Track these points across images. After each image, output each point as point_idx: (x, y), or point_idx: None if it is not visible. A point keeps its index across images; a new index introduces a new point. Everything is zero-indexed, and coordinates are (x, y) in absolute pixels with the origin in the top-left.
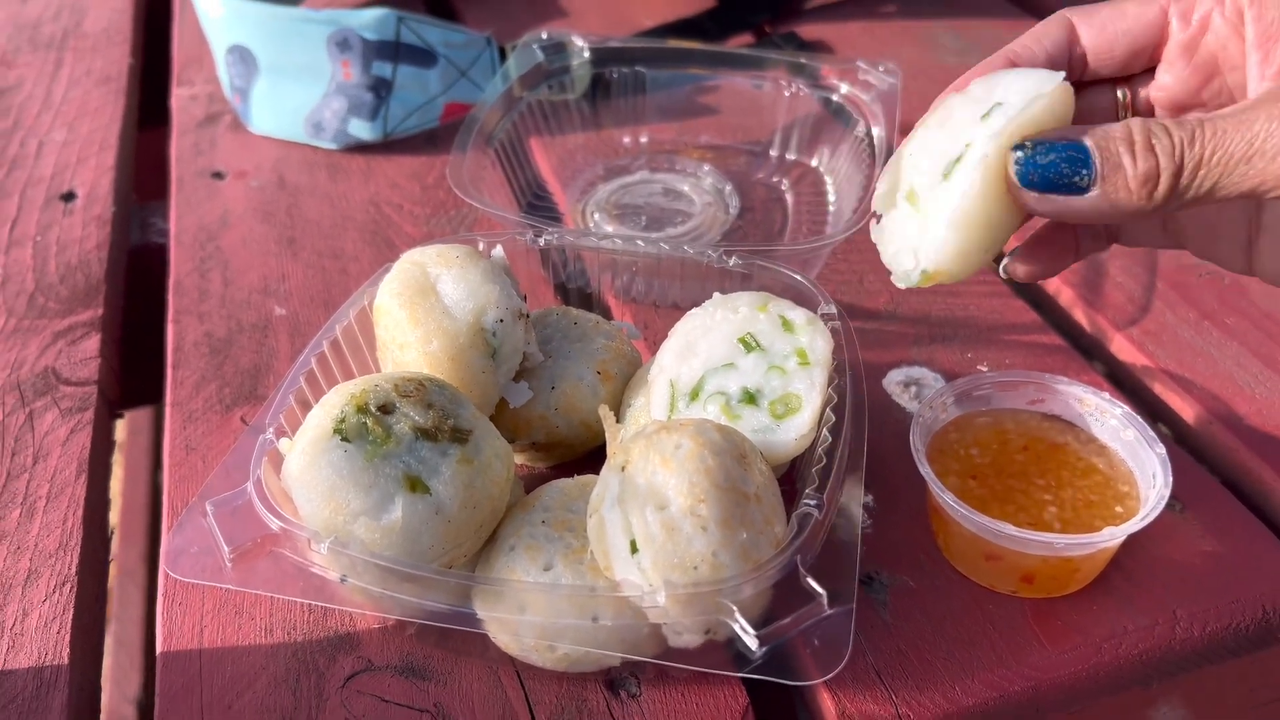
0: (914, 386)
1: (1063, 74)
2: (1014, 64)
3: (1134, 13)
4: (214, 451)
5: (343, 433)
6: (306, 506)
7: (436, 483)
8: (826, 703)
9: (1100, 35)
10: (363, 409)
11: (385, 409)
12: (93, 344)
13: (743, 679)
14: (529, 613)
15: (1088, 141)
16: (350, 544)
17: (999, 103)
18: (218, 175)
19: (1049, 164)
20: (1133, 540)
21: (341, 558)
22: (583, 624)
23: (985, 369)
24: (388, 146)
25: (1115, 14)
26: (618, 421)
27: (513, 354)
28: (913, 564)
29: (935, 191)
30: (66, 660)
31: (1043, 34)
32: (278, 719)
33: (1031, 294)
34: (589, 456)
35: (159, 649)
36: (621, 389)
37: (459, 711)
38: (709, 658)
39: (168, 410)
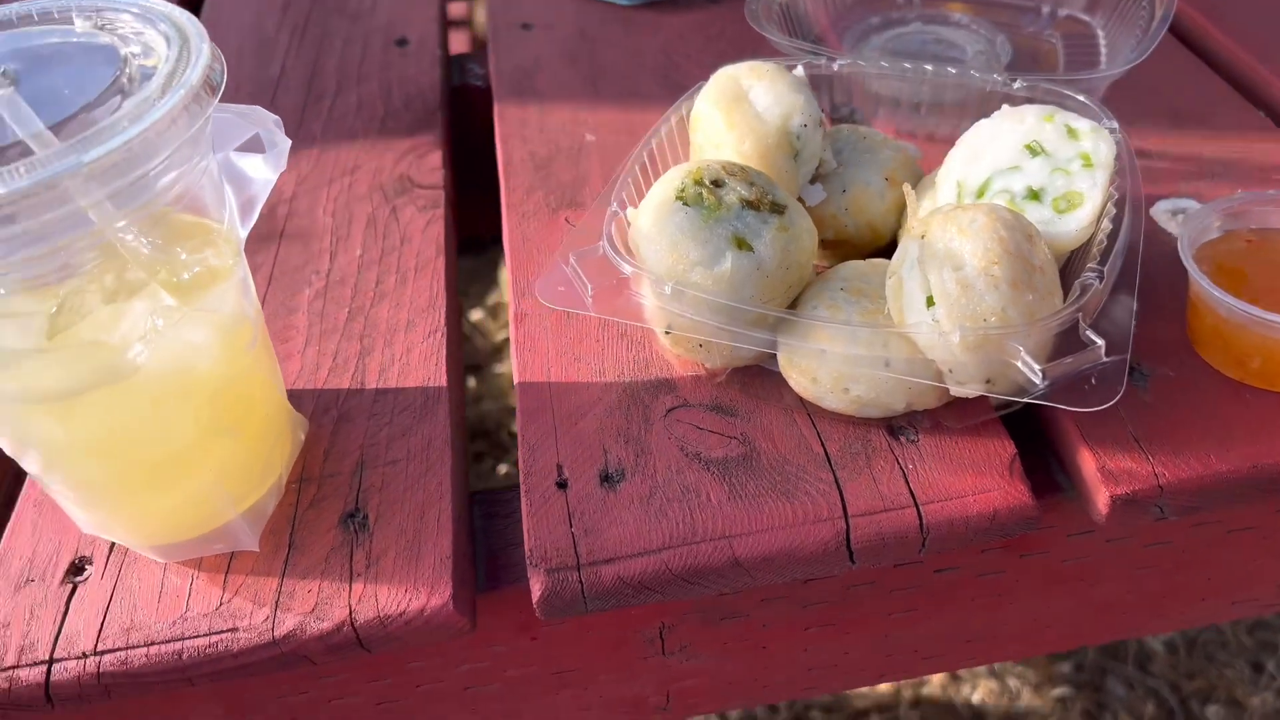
0: (1180, 215)
1: None
2: None
3: None
4: (546, 243)
5: (684, 199)
6: (652, 256)
7: (759, 244)
8: (1087, 460)
9: None
10: (699, 182)
11: (716, 183)
12: (436, 158)
13: (1011, 435)
14: (829, 354)
15: None
16: (688, 287)
17: None
18: (526, 26)
19: None
20: None
21: (682, 297)
22: (875, 358)
23: None
24: (673, 4)
25: None
26: (904, 223)
27: (812, 158)
28: (1172, 361)
29: None
30: (445, 383)
31: None
32: (614, 433)
33: None
34: (867, 258)
35: (516, 380)
36: None
37: (761, 440)
38: (988, 402)
39: (504, 211)
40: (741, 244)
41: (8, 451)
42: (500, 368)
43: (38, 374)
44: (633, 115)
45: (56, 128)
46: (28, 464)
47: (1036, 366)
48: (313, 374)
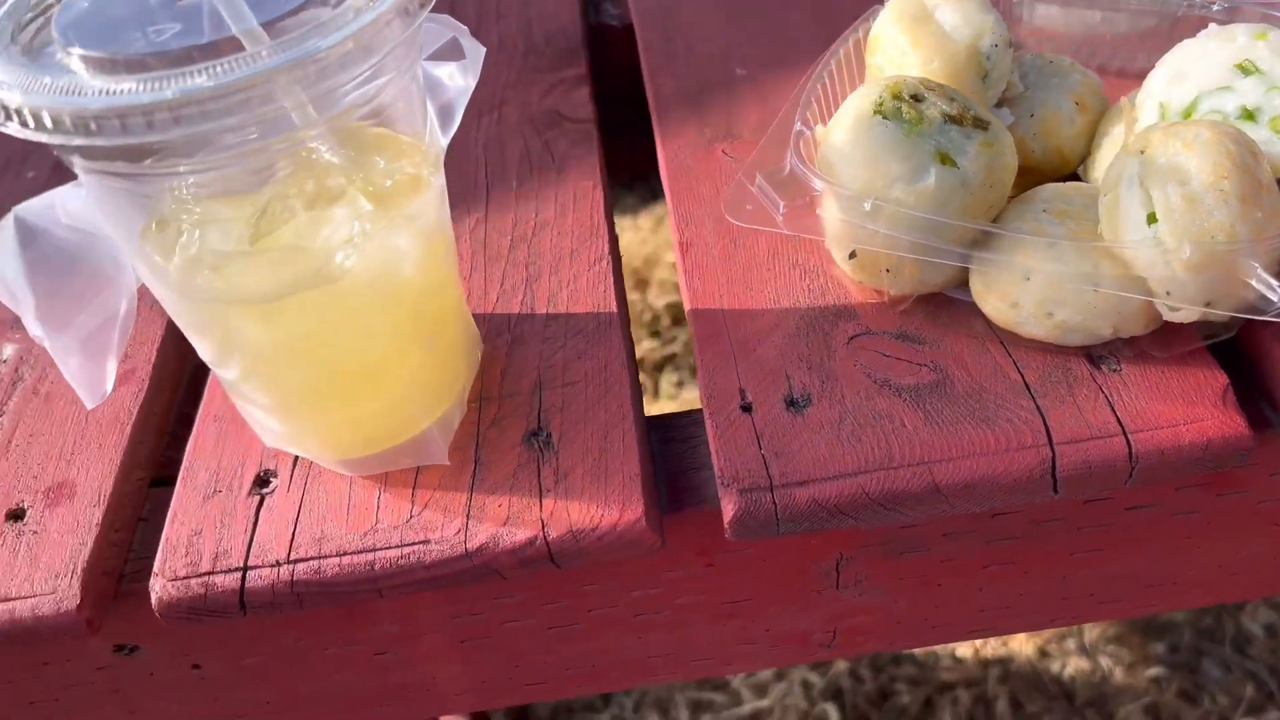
0: None
1: None
2: None
3: None
4: (703, 174)
5: (883, 113)
6: (848, 173)
7: (963, 160)
8: None
9: None
10: (898, 96)
11: (916, 97)
12: (584, 92)
13: (1221, 365)
14: (1035, 274)
15: None
16: (887, 204)
17: None
18: None
19: None
20: None
21: (881, 213)
22: (1085, 275)
23: None
24: None
25: None
26: (1094, 151)
27: (1000, 79)
28: None
29: None
30: (614, 309)
31: None
32: (795, 359)
33: None
34: None
35: (688, 307)
36: (1096, 121)
37: (954, 367)
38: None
39: (659, 143)
40: (945, 159)
41: (207, 358)
42: None
43: (244, 275)
44: (784, 50)
45: (266, 26)
46: (228, 370)
47: (1276, 284)
48: (481, 298)
